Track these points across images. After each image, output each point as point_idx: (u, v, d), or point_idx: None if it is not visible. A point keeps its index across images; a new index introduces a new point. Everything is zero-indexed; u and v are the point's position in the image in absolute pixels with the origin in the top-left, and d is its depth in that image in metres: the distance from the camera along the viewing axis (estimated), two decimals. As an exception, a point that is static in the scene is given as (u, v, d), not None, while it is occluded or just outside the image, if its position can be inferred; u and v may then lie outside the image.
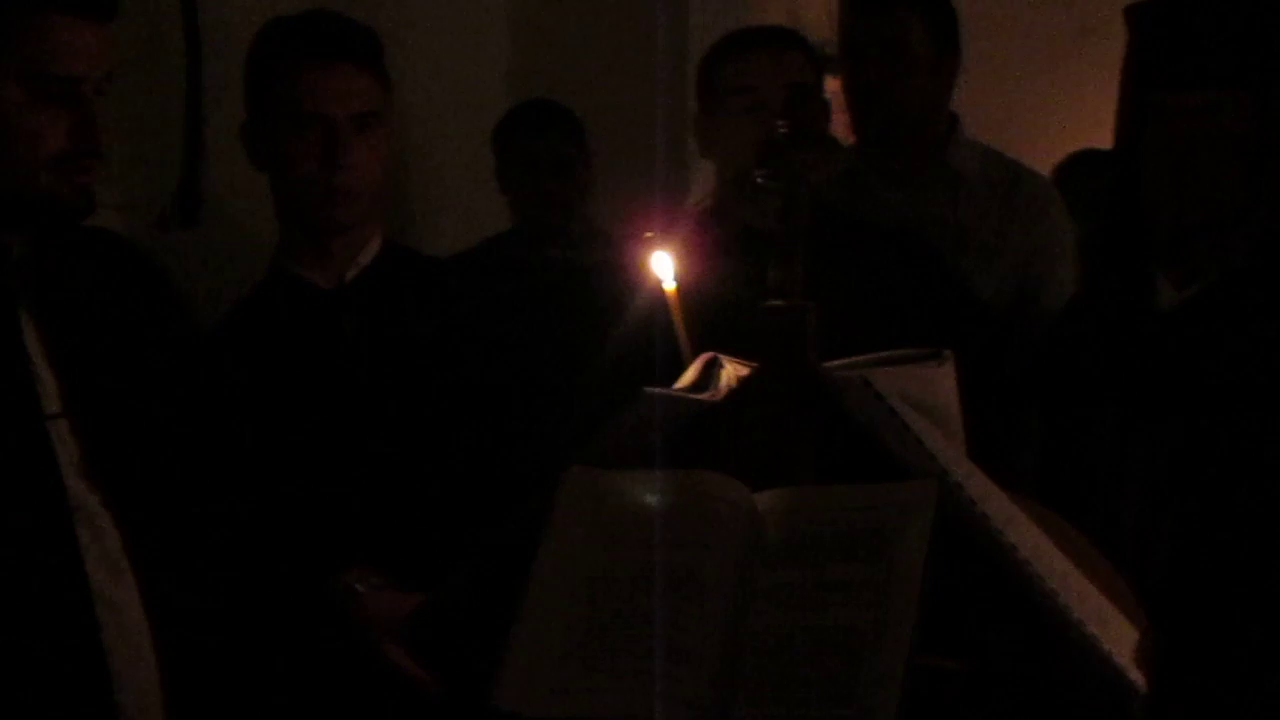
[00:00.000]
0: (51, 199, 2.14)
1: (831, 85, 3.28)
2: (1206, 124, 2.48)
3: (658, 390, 2.02)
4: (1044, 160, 4.12)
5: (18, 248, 2.18)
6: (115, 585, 2.15)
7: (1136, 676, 1.83)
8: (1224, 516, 2.30)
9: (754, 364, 2.03)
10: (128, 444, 2.19)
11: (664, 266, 2.13)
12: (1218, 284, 2.51)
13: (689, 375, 2.06)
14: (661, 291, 2.13)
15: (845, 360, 2.00)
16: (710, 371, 2.06)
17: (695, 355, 2.11)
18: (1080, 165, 4.18)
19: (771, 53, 2.93)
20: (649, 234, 2.10)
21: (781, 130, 2.11)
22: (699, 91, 3.04)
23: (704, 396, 2.03)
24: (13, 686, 2.07)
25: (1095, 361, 2.63)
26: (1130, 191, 2.65)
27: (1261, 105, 2.48)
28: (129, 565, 2.16)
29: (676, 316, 2.13)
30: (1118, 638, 1.85)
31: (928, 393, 1.98)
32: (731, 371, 2.05)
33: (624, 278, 2.24)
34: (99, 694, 2.11)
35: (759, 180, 2.03)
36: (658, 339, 2.14)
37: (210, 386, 2.37)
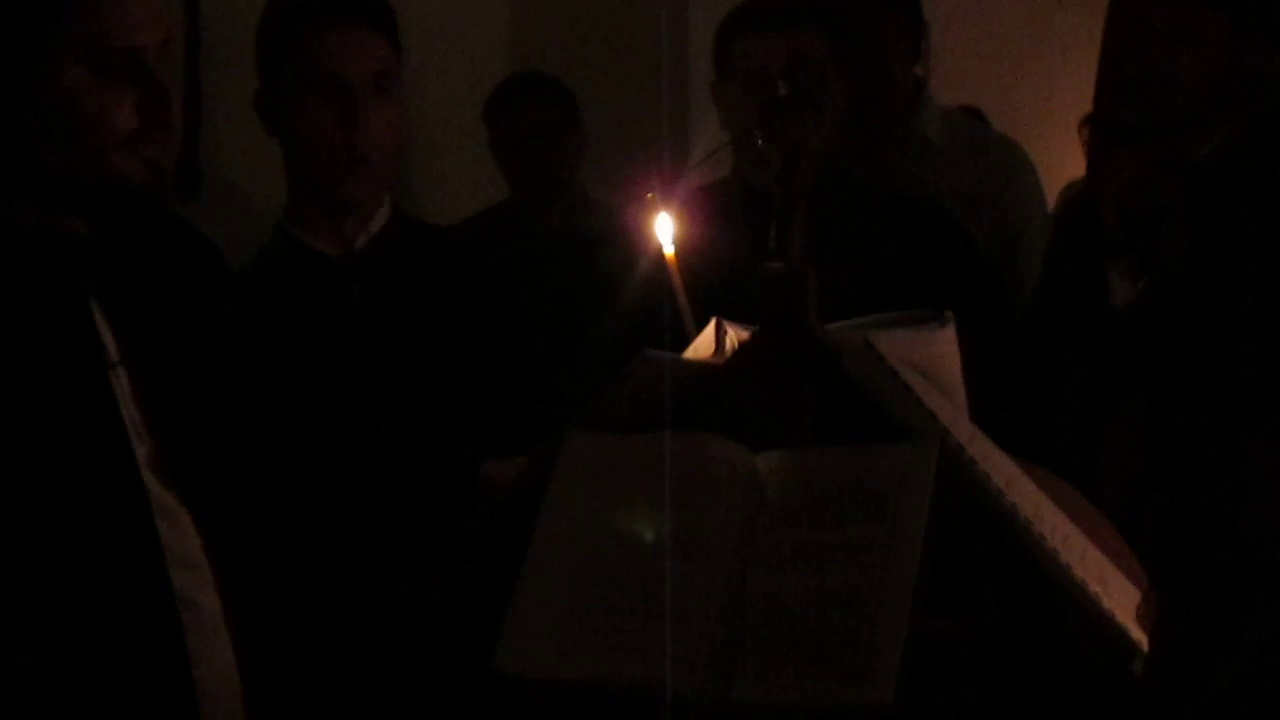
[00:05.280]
0: (123, 180, 2.02)
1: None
2: (1180, 34, 2.48)
3: (658, 353, 2.02)
4: (1025, 129, 4.12)
5: (85, 231, 2.07)
6: (195, 587, 2.09)
7: (1138, 636, 1.83)
8: (1199, 515, 2.30)
9: (755, 328, 2.02)
10: (201, 440, 2.13)
11: (664, 231, 2.12)
12: (1166, 275, 2.51)
13: (707, 347, 2.06)
14: (662, 256, 2.12)
15: (846, 322, 2.00)
16: (721, 338, 2.06)
17: (696, 320, 2.11)
18: None
19: (781, 31, 2.91)
20: (650, 195, 2.09)
21: (782, 92, 2.10)
22: (715, 58, 3.03)
23: (706, 359, 2.02)
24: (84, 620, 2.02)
25: (1057, 362, 2.63)
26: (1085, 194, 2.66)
27: (1237, 28, 2.48)
28: (208, 564, 2.10)
29: (676, 281, 2.13)
30: (1119, 597, 1.85)
31: (929, 355, 1.97)
32: (734, 337, 2.04)
33: (626, 243, 2.23)
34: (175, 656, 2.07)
35: (759, 142, 2.03)
36: (661, 304, 2.14)
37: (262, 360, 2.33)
